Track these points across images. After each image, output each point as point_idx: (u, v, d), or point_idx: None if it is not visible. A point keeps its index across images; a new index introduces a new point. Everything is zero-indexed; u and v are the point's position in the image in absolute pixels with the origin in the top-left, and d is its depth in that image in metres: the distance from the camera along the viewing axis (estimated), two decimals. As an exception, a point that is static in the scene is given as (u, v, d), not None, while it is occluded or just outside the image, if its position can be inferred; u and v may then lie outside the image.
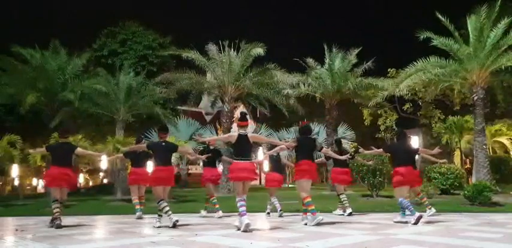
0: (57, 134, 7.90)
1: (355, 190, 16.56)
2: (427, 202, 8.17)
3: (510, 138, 21.84)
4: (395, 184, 6.92)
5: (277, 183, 8.90)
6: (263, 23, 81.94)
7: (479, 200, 10.01)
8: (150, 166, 9.44)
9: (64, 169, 7.16)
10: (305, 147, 6.84)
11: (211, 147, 8.97)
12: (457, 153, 23.61)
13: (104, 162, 17.22)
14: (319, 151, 7.30)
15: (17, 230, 6.76)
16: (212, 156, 8.84)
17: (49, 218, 7.34)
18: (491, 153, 20.25)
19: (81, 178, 40.95)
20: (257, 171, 7.56)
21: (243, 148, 6.23)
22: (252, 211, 9.49)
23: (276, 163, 9.00)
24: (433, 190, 11.70)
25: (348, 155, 8.29)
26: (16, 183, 31.93)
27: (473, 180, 14.10)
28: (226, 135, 6.73)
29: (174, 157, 13.54)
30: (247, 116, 6.54)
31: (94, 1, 75.64)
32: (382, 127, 27.71)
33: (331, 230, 5.85)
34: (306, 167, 6.68)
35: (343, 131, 24.63)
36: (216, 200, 8.85)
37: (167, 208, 6.65)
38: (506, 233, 5.46)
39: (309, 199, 6.60)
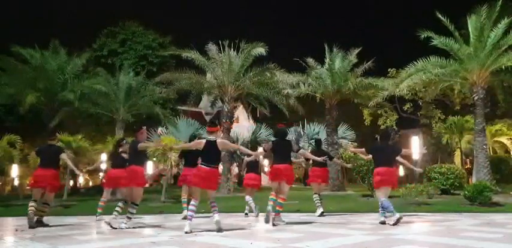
0: (46, 137, 7.93)
1: (355, 190, 16.57)
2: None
3: (510, 138, 21.85)
4: (375, 185, 7.07)
5: (253, 183, 8.91)
6: (263, 23, 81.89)
7: (480, 201, 10.00)
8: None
9: (49, 171, 7.19)
10: (280, 150, 6.94)
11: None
12: (458, 153, 23.62)
13: (103, 163, 17.20)
14: (296, 152, 7.36)
15: (17, 230, 6.75)
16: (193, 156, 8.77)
17: (48, 218, 7.33)
18: (491, 153, 20.25)
19: (81, 178, 40.87)
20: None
21: (210, 154, 6.09)
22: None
23: (254, 164, 9.06)
24: (433, 190, 11.67)
25: (324, 157, 8.30)
26: (16, 183, 31.87)
27: (473, 180, 14.08)
28: (193, 142, 6.57)
29: (173, 157, 13.53)
30: (216, 121, 6.70)
31: (94, 1, 75.65)
32: (382, 127, 27.69)
33: (331, 231, 5.85)
34: (277, 170, 6.84)
35: (343, 131, 24.62)
36: (185, 200, 8.58)
37: (117, 209, 6.79)
38: (506, 233, 5.45)
39: (272, 196, 6.86)
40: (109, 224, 6.49)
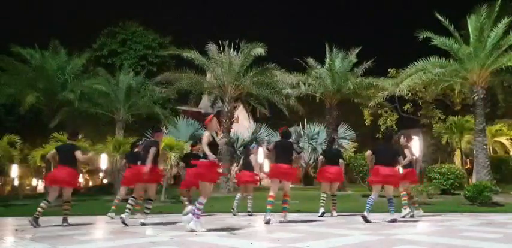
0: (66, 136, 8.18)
1: (355, 190, 16.55)
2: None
3: (510, 138, 21.83)
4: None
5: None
6: (263, 23, 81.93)
7: (480, 201, 10.01)
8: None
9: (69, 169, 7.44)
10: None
11: (194, 152, 9.04)
12: (458, 153, 23.59)
13: (103, 162, 17.22)
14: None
15: (16, 230, 6.73)
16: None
17: (48, 218, 7.32)
18: (491, 153, 20.24)
19: (81, 178, 40.88)
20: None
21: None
22: (254, 211, 9.48)
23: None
24: (433, 190, 11.67)
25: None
26: (16, 183, 31.88)
27: (473, 180, 14.09)
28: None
29: (173, 157, 13.49)
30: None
31: (94, 1, 75.69)
32: (382, 127, 27.67)
33: (332, 231, 5.84)
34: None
35: (344, 131, 24.63)
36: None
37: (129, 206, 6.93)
38: (506, 233, 5.45)
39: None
40: (123, 221, 6.64)
